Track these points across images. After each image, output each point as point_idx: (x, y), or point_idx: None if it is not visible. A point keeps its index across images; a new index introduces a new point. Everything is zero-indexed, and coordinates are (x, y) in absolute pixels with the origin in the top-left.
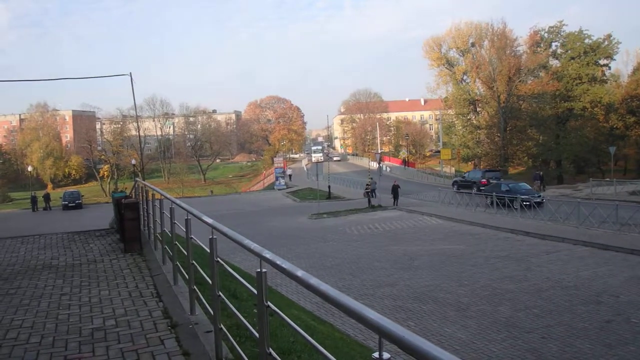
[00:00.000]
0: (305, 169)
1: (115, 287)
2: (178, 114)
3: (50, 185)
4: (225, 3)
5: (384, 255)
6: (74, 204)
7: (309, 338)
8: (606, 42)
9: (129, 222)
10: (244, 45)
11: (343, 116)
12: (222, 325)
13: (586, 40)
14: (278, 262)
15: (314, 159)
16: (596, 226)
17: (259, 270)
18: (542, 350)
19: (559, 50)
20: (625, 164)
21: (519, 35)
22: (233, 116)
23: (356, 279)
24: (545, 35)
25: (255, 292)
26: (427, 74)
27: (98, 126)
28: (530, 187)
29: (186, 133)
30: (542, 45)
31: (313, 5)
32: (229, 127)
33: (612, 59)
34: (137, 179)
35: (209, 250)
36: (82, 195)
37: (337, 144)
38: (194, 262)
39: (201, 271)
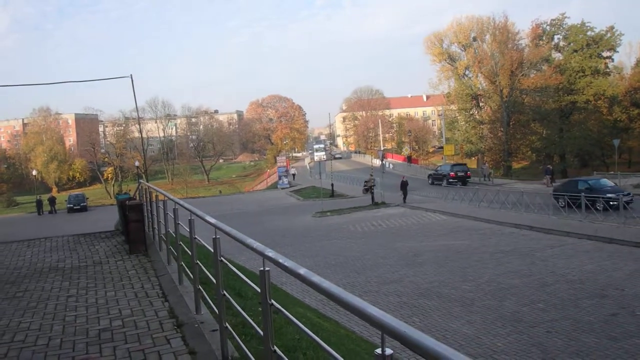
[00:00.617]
0: (308, 167)
1: (121, 288)
2: (180, 115)
3: (55, 189)
4: (225, 3)
5: (388, 252)
6: (79, 207)
7: (314, 335)
8: (609, 34)
9: (133, 224)
10: (244, 45)
11: (345, 114)
12: (227, 324)
13: (588, 33)
14: (280, 261)
15: (316, 158)
16: (601, 220)
17: (262, 268)
18: (547, 344)
19: (561, 43)
20: (630, 156)
21: (520, 28)
22: (235, 116)
23: (361, 276)
24: (548, 28)
25: (260, 290)
26: (429, 70)
27: (101, 129)
28: (614, 184)
29: (189, 134)
30: (544, 38)
31: (312, 4)
32: (231, 127)
33: (614, 51)
34: (141, 180)
35: (213, 250)
36: (87, 198)
37: (339, 141)
38: (198, 262)
39: (206, 271)
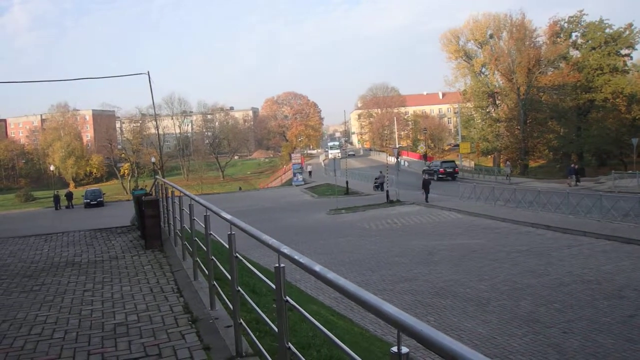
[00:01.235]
0: (323, 164)
1: (136, 283)
2: (196, 112)
3: (72, 184)
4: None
5: (403, 251)
6: (95, 202)
7: (328, 333)
8: (627, 32)
9: (149, 219)
10: (260, 42)
11: (360, 111)
12: (241, 320)
13: (607, 30)
14: (296, 257)
15: (330, 155)
16: (619, 219)
17: (277, 265)
18: (564, 345)
19: (579, 41)
20: None
21: (538, 25)
22: (250, 113)
23: (375, 274)
24: (565, 25)
25: (274, 287)
26: (444, 67)
27: (118, 125)
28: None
29: (204, 130)
30: (562, 35)
31: (329, 1)
32: (246, 123)
33: (633, 48)
34: (157, 176)
35: (228, 246)
36: (104, 193)
37: (354, 139)
38: (213, 257)
39: (220, 267)
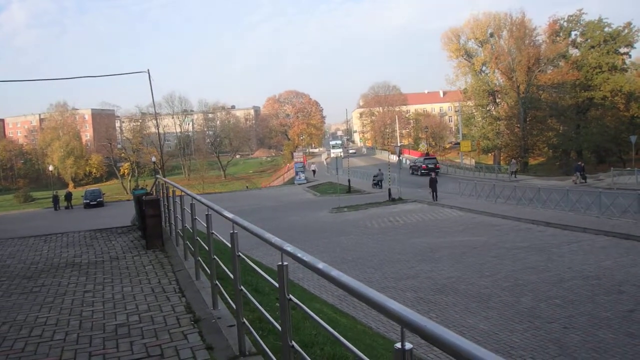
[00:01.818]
0: (325, 163)
1: (138, 283)
2: (197, 111)
3: (71, 184)
4: None
5: (405, 248)
6: (95, 202)
7: (332, 330)
8: (626, 31)
9: (150, 219)
10: (262, 41)
11: (362, 110)
12: (244, 319)
13: (606, 29)
14: (299, 255)
15: (332, 154)
16: (618, 216)
17: (280, 263)
18: (564, 340)
19: (578, 39)
20: None
21: (537, 24)
22: (252, 112)
23: (377, 272)
24: (565, 24)
25: (277, 285)
26: (445, 66)
27: (117, 124)
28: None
29: (205, 129)
30: (561, 34)
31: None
32: (248, 122)
33: (632, 47)
34: (158, 176)
35: (230, 245)
36: (104, 193)
37: (356, 137)
38: (215, 257)
39: (223, 266)
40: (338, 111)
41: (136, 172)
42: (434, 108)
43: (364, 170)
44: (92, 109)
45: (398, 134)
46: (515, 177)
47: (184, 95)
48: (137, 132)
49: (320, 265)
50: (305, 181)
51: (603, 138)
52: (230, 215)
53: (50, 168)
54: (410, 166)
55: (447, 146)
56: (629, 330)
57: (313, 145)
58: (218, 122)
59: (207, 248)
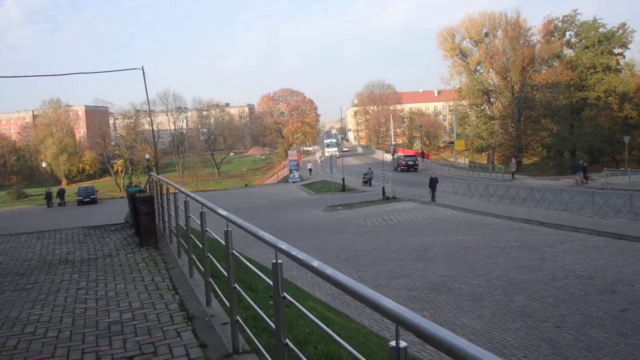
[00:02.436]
0: (319, 161)
1: (131, 280)
2: (191, 108)
3: (64, 181)
4: None
5: (398, 247)
6: (88, 199)
7: (326, 328)
8: (620, 31)
9: (144, 216)
10: (257, 39)
11: (356, 108)
12: (238, 317)
13: (600, 29)
14: (294, 253)
15: (327, 153)
16: (610, 216)
17: (274, 261)
18: (557, 339)
19: (573, 40)
20: None
21: (532, 24)
22: (246, 109)
23: (371, 271)
24: (559, 24)
25: (271, 283)
26: (440, 65)
27: (111, 121)
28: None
29: (199, 127)
30: (556, 34)
31: None
32: (242, 120)
33: (626, 47)
34: (152, 173)
35: (224, 243)
36: (97, 191)
37: (350, 136)
38: (209, 254)
39: (217, 264)
40: (333, 109)
41: (130, 169)
42: (428, 107)
43: (359, 169)
44: (85, 106)
45: (392, 133)
46: (513, 177)
47: (178, 93)
48: (131, 129)
49: (315, 263)
50: (299, 179)
51: (597, 138)
52: (224, 213)
53: (44, 165)
54: (396, 163)
55: (442, 145)
56: (621, 330)
57: (307, 144)
58: (212, 120)
59: (201, 246)
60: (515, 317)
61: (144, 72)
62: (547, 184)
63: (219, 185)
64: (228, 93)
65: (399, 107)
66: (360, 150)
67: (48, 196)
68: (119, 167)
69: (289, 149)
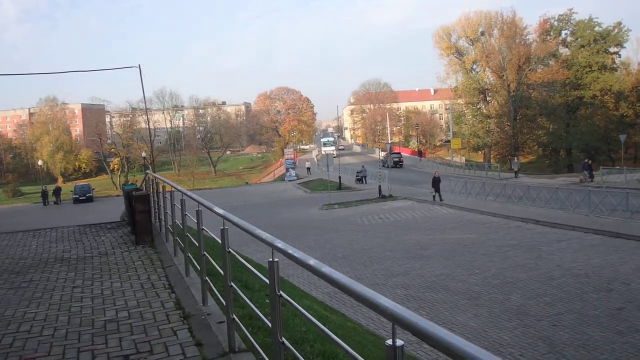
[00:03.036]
0: (315, 160)
1: (127, 279)
2: (187, 106)
3: (60, 179)
4: None
5: (395, 245)
6: (84, 197)
7: (322, 327)
8: (616, 30)
9: (140, 215)
10: (254, 37)
11: (353, 107)
12: (234, 316)
13: (596, 28)
14: (290, 251)
15: (323, 151)
16: (607, 214)
17: (270, 259)
18: (553, 337)
19: (568, 39)
20: (636, 152)
21: (528, 23)
22: (243, 108)
23: (368, 269)
24: (555, 23)
25: (268, 282)
26: (436, 64)
27: (107, 119)
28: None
29: (196, 125)
30: (551, 33)
31: None
32: (238, 118)
33: (622, 46)
34: (148, 171)
35: (220, 241)
36: (93, 189)
37: (347, 134)
38: (205, 253)
39: (213, 262)
40: (329, 108)
41: (126, 167)
42: (424, 106)
43: (355, 168)
44: (82, 104)
45: (389, 131)
46: (517, 176)
47: (175, 91)
48: (127, 128)
49: (311, 261)
50: (295, 178)
51: (592, 137)
52: (220, 211)
53: (40, 163)
54: (382, 160)
55: (438, 144)
56: (618, 328)
57: (304, 142)
58: (209, 118)
59: (197, 244)
60: (512, 315)
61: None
62: (549, 183)
63: (216, 184)
64: (225, 91)
65: (395, 105)
66: (359, 149)
67: (44, 194)
68: (115, 165)
69: (285, 148)
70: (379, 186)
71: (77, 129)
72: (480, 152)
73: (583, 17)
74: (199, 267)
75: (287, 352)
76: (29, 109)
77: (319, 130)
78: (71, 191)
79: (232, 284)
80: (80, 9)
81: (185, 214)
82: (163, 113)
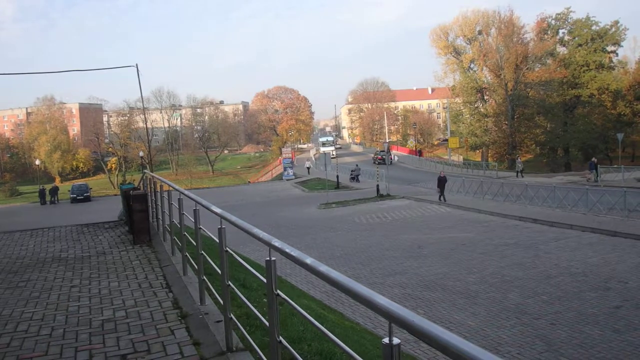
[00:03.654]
0: (313, 159)
1: (124, 278)
2: (185, 106)
3: (58, 179)
4: None
5: (393, 244)
6: (82, 197)
7: (320, 326)
8: (613, 29)
9: (137, 214)
10: (251, 36)
11: (350, 106)
12: (232, 315)
13: (593, 27)
14: (287, 250)
15: (322, 151)
16: (604, 213)
17: (268, 258)
18: (551, 336)
19: (566, 38)
20: (633, 150)
21: (526, 22)
22: (240, 107)
23: (365, 268)
24: (553, 22)
25: (265, 281)
26: (434, 63)
27: (105, 119)
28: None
29: (194, 124)
30: (549, 32)
31: None
32: (236, 118)
33: (619, 45)
34: (145, 170)
35: (218, 241)
36: (91, 188)
37: (344, 133)
38: (203, 252)
39: (210, 261)
40: (327, 107)
41: (123, 167)
42: (422, 105)
43: (352, 167)
44: (79, 103)
45: (386, 130)
46: (522, 175)
47: (173, 90)
48: (125, 127)
49: (309, 260)
50: (293, 177)
51: (590, 135)
52: (218, 210)
53: (37, 162)
54: (373, 157)
55: (436, 143)
56: (615, 327)
57: (302, 141)
58: (206, 117)
59: (194, 243)
60: (510, 314)
61: (138, 70)
62: (550, 182)
63: (213, 183)
64: (222, 91)
65: (392, 104)
66: (357, 148)
67: (42, 194)
68: (113, 165)
69: (283, 147)
70: (377, 185)
71: (74, 129)
72: (477, 151)
73: (580, 16)
74: (196, 266)
75: (285, 351)
76: (27, 108)
77: (317, 130)
78: (69, 191)
79: (230, 283)
80: (77, 8)
81: (183, 213)
82: (161, 112)
